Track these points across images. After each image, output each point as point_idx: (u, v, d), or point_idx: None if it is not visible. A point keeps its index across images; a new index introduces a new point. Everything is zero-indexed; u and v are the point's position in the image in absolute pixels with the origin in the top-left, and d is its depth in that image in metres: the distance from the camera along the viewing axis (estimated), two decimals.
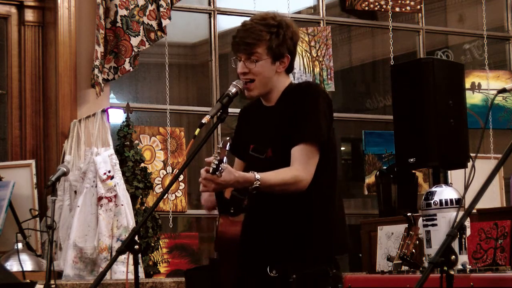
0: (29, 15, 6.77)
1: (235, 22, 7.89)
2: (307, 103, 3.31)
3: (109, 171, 6.07)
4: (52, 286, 4.44)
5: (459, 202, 4.27)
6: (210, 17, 7.57)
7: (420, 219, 4.39)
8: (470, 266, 4.13)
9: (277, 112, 3.38)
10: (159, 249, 6.51)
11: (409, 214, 4.60)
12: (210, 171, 3.04)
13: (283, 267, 3.28)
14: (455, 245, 4.08)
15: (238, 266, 3.31)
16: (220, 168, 3.02)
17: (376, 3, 8.02)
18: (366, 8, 8.04)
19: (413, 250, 4.49)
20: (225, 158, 3.03)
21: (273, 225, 3.31)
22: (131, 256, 3.05)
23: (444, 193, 4.32)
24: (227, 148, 3.02)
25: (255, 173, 3.16)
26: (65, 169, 4.68)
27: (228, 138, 3.06)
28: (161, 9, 6.74)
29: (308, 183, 3.24)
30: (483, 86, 8.37)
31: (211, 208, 3.46)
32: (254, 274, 3.32)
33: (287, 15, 7.47)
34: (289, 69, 3.45)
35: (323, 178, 3.29)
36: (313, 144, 3.27)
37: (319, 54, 7.70)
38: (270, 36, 3.34)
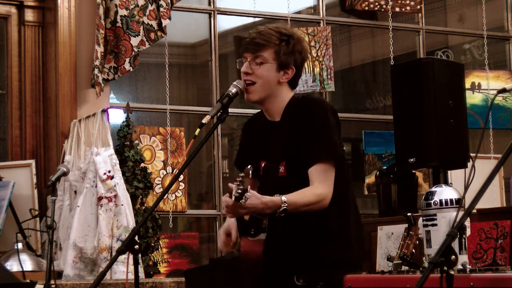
0: (29, 15, 6.77)
1: (235, 22, 7.90)
2: (318, 120, 3.33)
3: (109, 171, 6.07)
4: (52, 286, 4.44)
5: (459, 202, 4.26)
6: (210, 17, 7.57)
7: (420, 219, 4.39)
8: (470, 266, 4.12)
9: (284, 128, 3.39)
10: (159, 249, 6.50)
11: (409, 214, 4.60)
12: (233, 199, 3.06)
13: (310, 275, 3.30)
14: (455, 245, 4.07)
15: (260, 282, 3.32)
16: (244, 197, 3.05)
17: (376, 3, 8.01)
18: (366, 8, 8.04)
19: (413, 250, 4.48)
20: (249, 187, 3.05)
21: (295, 238, 3.35)
22: (131, 256, 3.06)
23: (444, 193, 4.31)
24: (250, 177, 3.05)
25: (281, 196, 3.17)
26: (65, 169, 4.68)
27: (249, 166, 3.09)
28: (161, 9, 6.74)
29: (329, 200, 3.31)
30: (483, 86, 8.37)
31: (229, 248, 3.47)
32: (281, 285, 3.34)
33: (287, 15, 7.48)
34: (293, 84, 3.45)
35: (336, 188, 3.31)
36: (329, 161, 3.30)
37: (319, 54, 7.70)
38: (279, 42, 3.37)
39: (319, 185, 3.27)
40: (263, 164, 3.38)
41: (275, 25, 3.47)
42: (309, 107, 3.37)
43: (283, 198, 3.18)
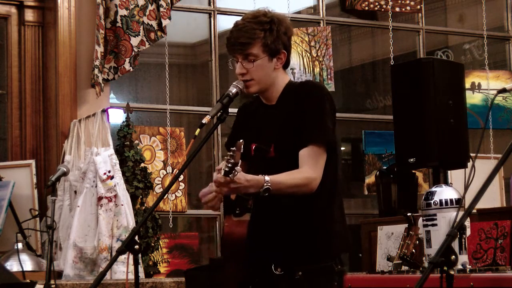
0: (29, 15, 6.78)
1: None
2: (313, 104, 3.31)
3: (109, 171, 6.07)
4: (52, 286, 4.43)
5: (459, 202, 4.27)
6: (210, 17, 7.58)
7: (420, 219, 4.39)
8: (470, 266, 4.13)
9: (279, 111, 3.37)
10: (159, 249, 6.51)
11: (409, 214, 4.60)
12: (223, 173, 3.04)
13: (288, 264, 3.29)
14: (455, 245, 4.08)
15: (244, 266, 3.30)
16: (234, 171, 3.03)
17: (376, 3, 8.02)
18: (366, 8, 8.04)
19: (413, 250, 4.49)
20: (240, 161, 3.02)
21: (278, 224, 3.32)
22: (131, 256, 3.05)
23: (444, 193, 4.32)
24: (241, 151, 3.02)
25: (264, 175, 3.16)
26: (65, 169, 4.68)
27: (241, 140, 3.05)
28: (161, 9, 6.74)
29: (317, 184, 3.25)
30: (483, 86, 8.37)
31: (216, 206, 3.42)
32: (260, 273, 3.33)
33: (287, 15, 7.48)
34: (286, 65, 3.44)
35: (325, 177, 3.29)
36: (321, 145, 3.28)
37: (319, 54, 7.70)
38: (264, 33, 3.33)
39: (308, 168, 3.24)
40: (253, 146, 3.37)
41: (251, 14, 3.40)
42: (306, 91, 3.36)
43: (266, 177, 3.15)
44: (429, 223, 4.30)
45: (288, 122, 3.32)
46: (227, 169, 3.03)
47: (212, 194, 3.28)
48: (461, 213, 2.54)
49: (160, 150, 7.17)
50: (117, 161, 6.17)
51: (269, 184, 3.15)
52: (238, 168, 3.04)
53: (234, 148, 3.01)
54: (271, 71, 3.38)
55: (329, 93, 3.40)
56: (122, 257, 3.32)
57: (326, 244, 3.33)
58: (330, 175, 3.33)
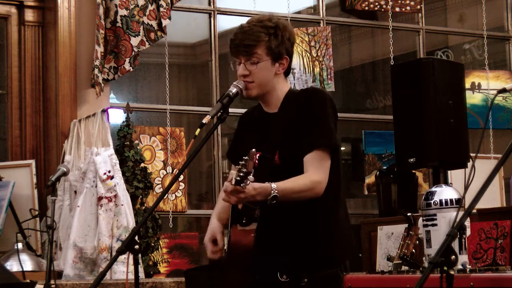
0: (29, 15, 6.78)
1: (235, 22, 7.89)
2: (316, 108, 3.32)
3: (109, 171, 6.07)
4: (52, 286, 4.43)
5: (459, 202, 4.27)
6: (210, 17, 7.58)
7: (420, 219, 4.39)
8: (470, 266, 4.13)
9: (282, 118, 3.38)
10: (159, 249, 6.51)
11: (409, 214, 4.60)
12: (233, 182, 3.03)
13: (294, 271, 3.29)
14: (455, 245, 4.08)
15: (247, 272, 3.30)
16: (246, 180, 3.02)
17: (376, 3, 8.02)
18: (366, 8, 8.04)
19: (413, 250, 4.49)
20: (252, 170, 3.01)
21: (284, 231, 3.32)
22: (131, 256, 3.06)
23: (444, 193, 4.32)
24: (254, 160, 3.01)
25: (271, 183, 3.16)
26: (65, 169, 4.68)
27: (254, 150, 3.04)
28: (161, 9, 6.74)
29: (323, 187, 3.26)
30: (483, 86, 8.38)
31: (219, 255, 3.44)
32: (265, 280, 3.33)
33: (287, 15, 7.48)
34: (287, 72, 3.46)
35: (329, 181, 3.30)
36: (325, 149, 3.29)
37: (319, 54, 7.70)
38: (268, 37, 3.35)
39: (314, 172, 3.25)
40: (257, 155, 3.36)
41: (256, 18, 3.43)
42: (308, 96, 3.37)
43: (273, 185, 3.15)
44: (429, 223, 4.30)
45: (291, 129, 3.33)
46: (238, 178, 3.01)
47: (213, 250, 3.38)
48: (461, 213, 2.54)
49: (160, 150, 7.17)
50: (117, 161, 6.18)
51: (276, 192, 3.15)
52: (251, 177, 3.03)
53: (246, 158, 2.99)
54: (272, 76, 3.39)
55: (331, 98, 3.41)
56: (122, 257, 3.32)
57: (331, 251, 3.34)
58: (334, 179, 3.34)
